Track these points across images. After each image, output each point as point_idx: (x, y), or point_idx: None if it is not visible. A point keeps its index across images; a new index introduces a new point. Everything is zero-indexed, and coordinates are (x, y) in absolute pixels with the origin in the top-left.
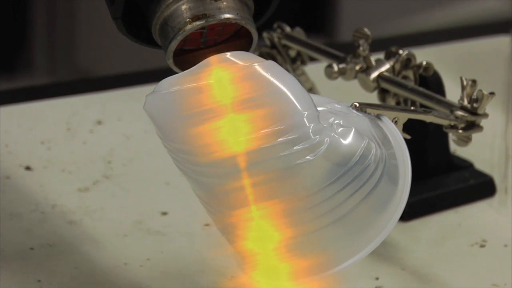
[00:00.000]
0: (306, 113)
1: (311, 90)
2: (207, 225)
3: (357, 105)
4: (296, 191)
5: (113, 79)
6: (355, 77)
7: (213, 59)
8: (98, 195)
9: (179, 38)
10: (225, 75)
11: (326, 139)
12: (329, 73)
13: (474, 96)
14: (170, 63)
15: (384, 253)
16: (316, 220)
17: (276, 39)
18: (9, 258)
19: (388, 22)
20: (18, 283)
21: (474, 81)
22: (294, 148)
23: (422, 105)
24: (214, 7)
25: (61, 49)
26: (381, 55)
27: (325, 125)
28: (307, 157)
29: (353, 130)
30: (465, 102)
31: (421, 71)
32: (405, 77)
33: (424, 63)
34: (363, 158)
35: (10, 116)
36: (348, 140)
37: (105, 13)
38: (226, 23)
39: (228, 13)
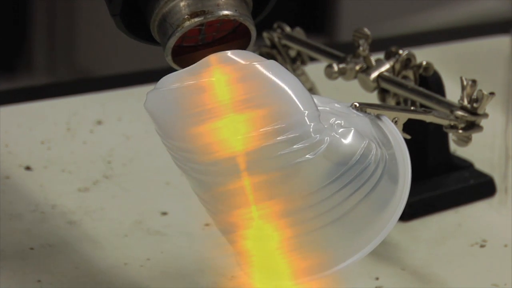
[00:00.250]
0: (307, 112)
1: (311, 90)
2: (207, 225)
3: (357, 105)
4: (296, 190)
5: (113, 79)
6: (355, 77)
7: (214, 57)
8: (98, 195)
9: (178, 34)
10: (226, 74)
11: (326, 138)
12: (329, 73)
13: (474, 96)
14: (169, 60)
15: (384, 253)
16: (316, 220)
17: (276, 39)
18: (9, 258)
19: (388, 22)
20: (18, 283)
21: (474, 81)
22: (294, 146)
23: (422, 105)
24: (212, 3)
25: (61, 49)
26: (381, 55)
27: (326, 126)
28: (307, 156)
29: (353, 131)
30: (465, 102)
31: (421, 71)
32: (405, 77)
33: (424, 63)
34: (363, 157)
35: (10, 116)
36: (348, 140)
37: (105, 13)
38: (225, 20)
39: (227, 10)
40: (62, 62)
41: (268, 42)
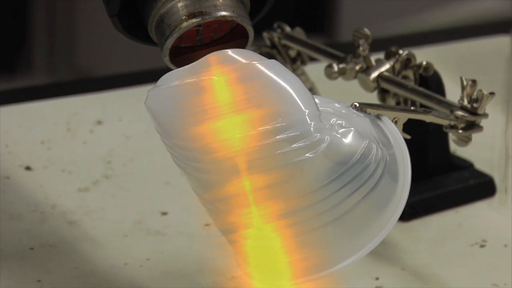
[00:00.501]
0: (307, 111)
1: (311, 90)
2: (207, 225)
3: (357, 105)
4: (296, 189)
5: (113, 79)
6: (355, 77)
7: (215, 56)
8: (98, 195)
9: (175, 35)
10: (227, 73)
11: (326, 137)
12: (329, 73)
13: (474, 96)
14: (166, 60)
15: (384, 253)
16: (316, 219)
17: (276, 39)
18: (9, 258)
19: (388, 22)
20: (18, 283)
21: (474, 81)
22: (294, 145)
23: (422, 105)
24: (210, 4)
25: (61, 49)
26: (381, 55)
27: (326, 126)
28: (307, 154)
29: (354, 131)
30: (465, 102)
31: (421, 71)
32: (405, 77)
33: (424, 63)
34: (363, 157)
35: (10, 116)
36: (349, 140)
37: (105, 13)
38: (222, 21)
39: (224, 11)
40: (62, 62)
41: (268, 42)
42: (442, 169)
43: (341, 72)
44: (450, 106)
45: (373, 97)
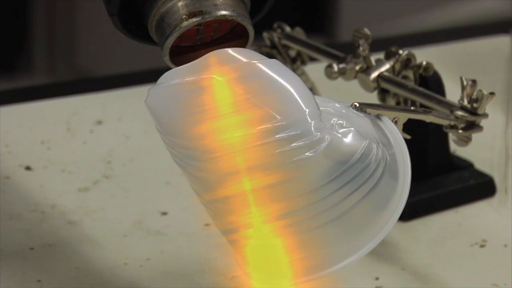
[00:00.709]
0: (308, 110)
1: (311, 90)
2: (207, 225)
3: (357, 105)
4: (296, 188)
5: (113, 79)
6: (355, 77)
7: (215, 54)
8: (98, 195)
9: (176, 35)
10: (227, 72)
11: (326, 136)
12: (329, 73)
13: (474, 96)
14: (167, 59)
15: (384, 253)
16: (316, 218)
17: (276, 39)
18: (9, 258)
19: (388, 22)
20: (18, 283)
21: (474, 81)
22: (295, 144)
23: (422, 105)
24: (210, 3)
25: (61, 49)
26: (381, 55)
27: (327, 126)
28: (307, 153)
29: (354, 130)
30: (465, 102)
31: (421, 71)
32: (405, 77)
33: (424, 63)
34: (364, 156)
35: (10, 116)
36: (349, 139)
37: (105, 13)
38: (222, 20)
39: (225, 10)
40: (62, 62)
41: (268, 42)
42: (442, 169)
43: (341, 72)
44: (450, 106)
45: (373, 97)
